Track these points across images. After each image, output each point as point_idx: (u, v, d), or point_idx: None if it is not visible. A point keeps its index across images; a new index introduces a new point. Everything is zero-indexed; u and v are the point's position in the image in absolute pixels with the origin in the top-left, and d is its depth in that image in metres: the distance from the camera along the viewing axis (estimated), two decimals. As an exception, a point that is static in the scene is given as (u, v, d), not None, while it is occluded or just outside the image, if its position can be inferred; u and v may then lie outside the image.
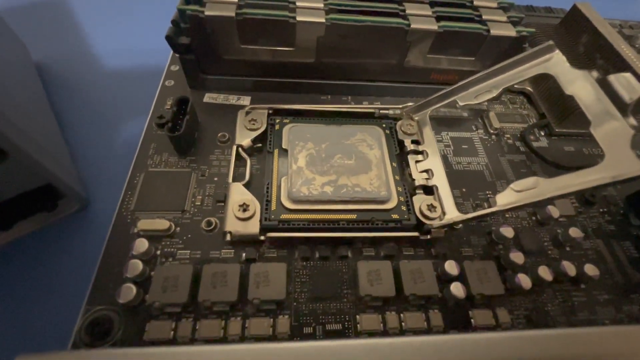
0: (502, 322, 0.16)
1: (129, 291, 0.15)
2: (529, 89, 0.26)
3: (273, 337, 0.15)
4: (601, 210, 0.21)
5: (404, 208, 0.18)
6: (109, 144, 0.23)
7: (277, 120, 0.21)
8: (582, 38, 0.26)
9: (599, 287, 0.18)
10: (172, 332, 0.15)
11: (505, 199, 0.16)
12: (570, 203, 0.21)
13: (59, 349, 0.14)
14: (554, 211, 0.20)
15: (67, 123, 0.24)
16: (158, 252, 0.17)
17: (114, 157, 0.22)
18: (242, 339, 0.15)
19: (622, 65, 0.23)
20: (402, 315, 0.16)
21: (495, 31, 0.21)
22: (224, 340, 0.15)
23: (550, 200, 0.21)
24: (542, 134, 0.25)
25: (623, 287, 0.18)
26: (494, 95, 0.20)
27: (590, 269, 0.18)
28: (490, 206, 0.18)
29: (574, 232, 0.19)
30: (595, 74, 0.17)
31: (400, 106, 0.23)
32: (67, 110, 0.25)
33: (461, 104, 0.21)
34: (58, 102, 0.25)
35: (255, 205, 0.18)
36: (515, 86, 0.26)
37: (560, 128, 0.24)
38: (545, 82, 0.25)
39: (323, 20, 0.20)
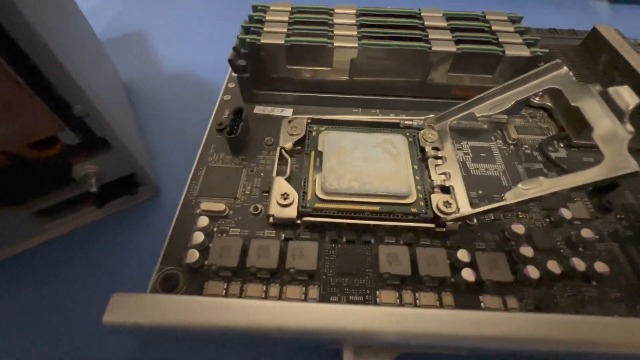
0: (510, 308, 0.18)
1: (193, 255, 0.19)
2: (549, 104, 0.28)
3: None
4: (618, 216, 0.22)
5: (422, 203, 0.21)
6: (178, 145, 0.28)
7: (314, 128, 0.25)
8: (602, 57, 0.27)
9: (612, 284, 0.19)
10: (224, 291, 0.18)
11: (513, 194, 0.18)
12: (586, 208, 0.22)
13: (140, 295, 0.18)
14: (566, 213, 0.21)
15: (146, 129, 0.29)
16: (215, 229, 0.21)
17: (181, 156, 0.27)
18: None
19: (639, 82, 0.24)
20: (416, 294, 0.18)
21: (510, 52, 0.24)
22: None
23: (562, 202, 0.22)
24: (562, 145, 0.26)
25: (637, 287, 0.19)
26: (507, 107, 0.22)
27: (600, 266, 0.19)
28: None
29: (586, 232, 0.20)
30: (598, 87, 0.19)
31: (423, 117, 0.25)
32: (145, 119, 0.30)
33: (478, 115, 0.23)
34: (139, 113, 0.31)
35: (294, 195, 0.21)
36: (535, 101, 0.28)
37: (578, 139, 0.25)
38: (564, 97, 0.27)
39: (356, 45, 0.24)
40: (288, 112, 0.28)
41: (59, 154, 0.20)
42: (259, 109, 0.28)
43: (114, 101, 0.25)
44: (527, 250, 0.19)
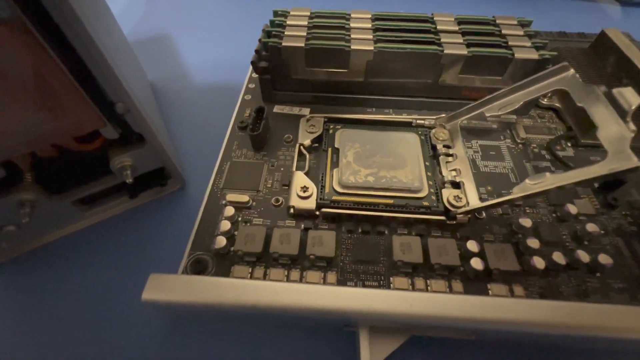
0: (516, 296, 0.19)
1: (221, 241, 0.20)
2: (557, 104, 0.29)
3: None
4: (623, 212, 0.23)
5: (433, 197, 0.22)
6: (201, 142, 0.30)
7: (331, 126, 0.26)
8: (610, 60, 0.28)
9: (615, 276, 0.20)
10: (249, 275, 0.20)
11: (521, 189, 0.20)
12: (591, 204, 0.23)
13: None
14: (572, 208, 0.22)
15: (173, 126, 0.31)
16: (240, 219, 0.22)
17: (205, 152, 0.29)
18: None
19: (645, 84, 0.25)
20: (428, 281, 0.20)
21: (519, 55, 0.25)
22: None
23: (568, 198, 0.23)
24: (569, 145, 0.27)
25: (639, 278, 0.20)
26: (516, 107, 0.23)
27: (604, 258, 0.20)
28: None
29: (591, 227, 0.21)
30: (603, 88, 0.20)
31: (435, 117, 0.27)
32: (170, 117, 0.32)
33: (487, 115, 0.24)
34: (164, 111, 0.33)
35: (313, 188, 0.23)
36: (544, 102, 0.29)
37: (585, 139, 0.26)
38: (571, 98, 0.27)
39: (372, 48, 0.25)
40: (305, 111, 0.29)
41: (99, 148, 0.21)
42: (278, 108, 0.29)
43: (145, 99, 0.27)
44: (533, 242, 0.20)
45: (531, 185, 0.19)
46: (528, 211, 0.23)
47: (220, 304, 0.17)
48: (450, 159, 0.24)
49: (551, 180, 0.19)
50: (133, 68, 0.28)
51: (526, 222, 0.21)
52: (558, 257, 0.20)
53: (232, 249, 0.20)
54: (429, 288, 0.19)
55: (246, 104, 0.30)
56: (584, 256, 0.20)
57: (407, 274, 0.20)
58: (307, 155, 0.25)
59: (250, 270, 0.20)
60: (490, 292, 0.19)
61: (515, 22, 0.28)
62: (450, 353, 0.20)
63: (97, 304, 0.21)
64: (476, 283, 0.20)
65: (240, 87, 0.32)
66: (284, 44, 0.25)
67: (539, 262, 0.20)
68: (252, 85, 0.31)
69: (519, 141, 0.27)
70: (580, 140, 0.26)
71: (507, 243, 0.21)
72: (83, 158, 0.22)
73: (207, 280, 0.18)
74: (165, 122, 0.32)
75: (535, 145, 0.27)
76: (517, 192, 0.19)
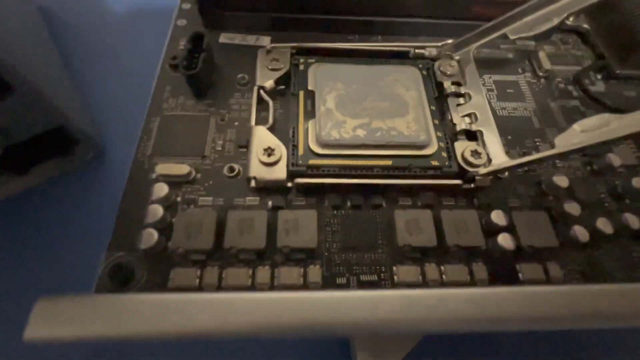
0: (553, 276, 0.15)
1: (151, 237, 0.14)
2: (585, 25, 0.23)
3: (304, 287, 0.14)
4: (669, 161, 0.19)
5: (444, 154, 0.16)
6: (122, 88, 0.22)
7: (302, 60, 0.19)
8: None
9: (665, 242, 0.16)
10: (197, 280, 0.14)
11: (568, 139, 0.14)
12: (632, 152, 0.19)
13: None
14: (614, 159, 0.17)
15: (78, 68, 0.22)
16: (179, 199, 0.16)
17: (128, 102, 0.20)
18: (271, 288, 0.14)
19: None
20: (442, 267, 0.15)
21: (558, -52, 0.18)
22: (252, 288, 0.14)
23: (611, 146, 0.18)
24: (599, 77, 0.22)
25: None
26: (555, 24, 0.17)
27: (656, 222, 0.16)
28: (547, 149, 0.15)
29: (638, 182, 0.17)
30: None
31: (439, 44, 0.20)
32: (76, 55, 0.23)
33: (512, 37, 0.18)
34: (65, 46, 0.23)
35: (281, 150, 0.16)
36: (568, 22, 0.23)
37: (623, 69, 0.21)
38: (607, 15, 0.22)
39: (355, -63, 0.17)
40: (265, 40, 0.21)
41: None
42: (226, 37, 0.21)
43: (16, 27, 0.18)
44: (572, 207, 0.16)
45: (583, 134, 0.14)
46: (559, 165, 0.18)
47: (153, 333, 0.12)
48: (461, 100, 0.18)
49: (616, 127, 0.13)
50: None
51: (562, 181, 0.17)
52: (604, 225, 0.16)
53: (169, 245, 0.14)
54: (444, 277, 0.15)
55: (181, 33, 0.21)
56: (633, 221, 0.16)
57: (415, 260, 0.15)
58: (271, 103, 0.18)
59: (198, 274, 0.14)
60: (520, 274, 0.15)
61: None
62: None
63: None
64: (503, 263, 0.15)
65: (172, 8, 0.23)
66: None
67: (581, 234, 0.15)
68: (186, 6, 0.22)
69: (541, 74, 0.21)
70: (615, 70, 0.21)
71: (540, 210, 0.16)
72: None
73: (130, 300, 0.12)
74: (69, 63, 0.22)
75: (560, 79, 0.21)
76: (563, 145, 0.14)
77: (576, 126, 0.14)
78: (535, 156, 0.15)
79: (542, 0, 0.17)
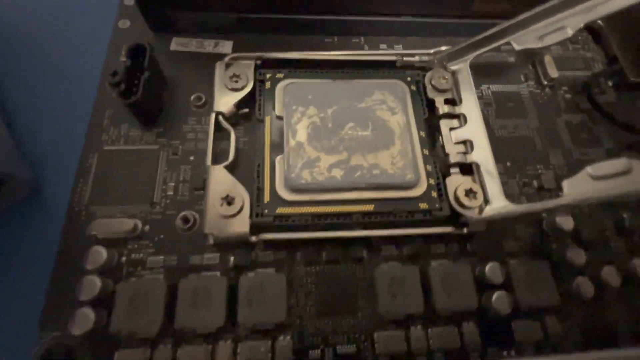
0: (551, 334, 0.13)
1: (85, 319, 0.12)
2: (599, 22, 0.20)
3: (272, 364, 0.12)
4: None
5: (434, 194, 0.14)
6: (52, 113, 0.18)
7: (268, 76, 0.16)
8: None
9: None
10: (146, 363, 0.12)
11: (579, 187, 0.12)
12: None
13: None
14: (624, 192, 0.15)
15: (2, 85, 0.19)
16: (123, 259, 0.13)
17: (61, 131, 0.17)
18: (234, 367, 0.12)
19: None
20: (429, 330, 0.13)
21: None
22: (211, 369, 0.12)
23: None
24: (610, 84, 0.19)
25: None
26: (569, 35, 0.14)
27: (667, 268, 0.14)
28: (555, 196, 0.13)
29: (648, 218, 0.15)
30: None
31: (432, 51, 0.17)
32: None
33: (518, 47, 0.15)
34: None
35: (243, 197, 0.13)
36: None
37: (638, 77, 0.18)
38: (626, 12, 0.19)
39: None
40: (226, 46, 0.18)
41: None
42: (177, 44, 0.18)
43: None
44: (577, 255, 0.14)
45: (597, 183, 0.12)
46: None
47: None
48: (455, 122, 0.16)
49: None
50: None
51: (566, 223, 0.14)
52: (609, 275, 0.14)
53: (110, 328, 0.12)
54: (431, 342, 0.13)
55: (124, 37, 0.18)
56: (642, 268, 0.14)
57: (399, 324, 0.13)
58: (232, 132, 0.15)
59: (148, 356, 0.12)
60: (515, 333, 0.13)
61: None
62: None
63: None
64: (497, 323, 0.14)
65: (113, 7, 0.19)
66: None
67: (586, 288, 0.13)
68: (130, 2, 0.18)
69: (546, 83, 0.19)
70: (629, 77, 0.18)
71: (540, 260, 0.14)
72: None
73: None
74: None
75: (566, 89, 0.19)
76: (572, 193, 0.12)
77: (590, 170, 0.12)
78: (538, 206, 0.13)
79: (552, 6, 0.14)
